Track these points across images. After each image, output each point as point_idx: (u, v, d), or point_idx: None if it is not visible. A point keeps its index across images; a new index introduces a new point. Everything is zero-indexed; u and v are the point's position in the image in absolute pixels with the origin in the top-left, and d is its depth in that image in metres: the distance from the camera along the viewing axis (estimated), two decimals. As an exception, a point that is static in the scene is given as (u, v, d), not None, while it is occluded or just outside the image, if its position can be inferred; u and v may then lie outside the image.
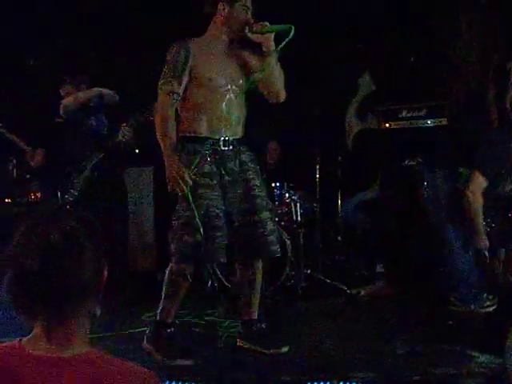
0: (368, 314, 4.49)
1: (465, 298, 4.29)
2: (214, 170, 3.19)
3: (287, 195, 5.59)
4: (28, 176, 6.01)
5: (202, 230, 3.04)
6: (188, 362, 3.06)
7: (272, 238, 3.32)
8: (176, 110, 3.25)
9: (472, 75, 6.12)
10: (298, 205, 5.50)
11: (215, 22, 3.29)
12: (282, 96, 3.46)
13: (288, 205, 5.61)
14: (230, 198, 3.24)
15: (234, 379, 2.81)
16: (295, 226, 5.54)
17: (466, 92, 6.12)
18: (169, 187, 3.14)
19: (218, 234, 3.13)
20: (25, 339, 1.37)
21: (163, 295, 3.25)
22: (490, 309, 4.26)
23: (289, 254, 5.07)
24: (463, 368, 2.83)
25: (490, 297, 4.32)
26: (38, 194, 6.01)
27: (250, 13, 3.26)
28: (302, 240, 5.39)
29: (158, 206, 6.50)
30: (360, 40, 6.85)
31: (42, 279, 1.28)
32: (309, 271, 5.37)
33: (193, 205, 3.06)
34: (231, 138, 3.26)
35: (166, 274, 3.26)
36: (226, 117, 3.25)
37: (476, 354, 3.01)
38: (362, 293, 5.09)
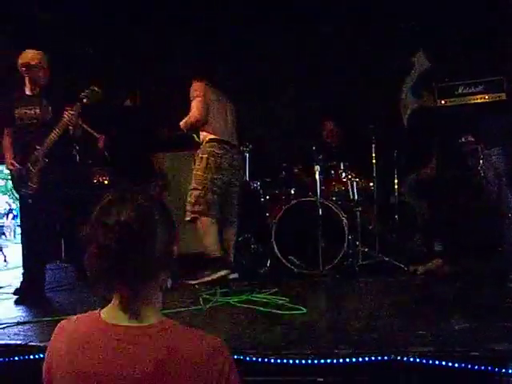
0: (425, 291, 4.52)
1: None
2: None
3: (344, 174, 5.65)
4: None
5: None
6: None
7: None
8: None
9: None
10: (355, 184, 5.55)
11: None
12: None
13: (345, 184, 5.67)
14: None
15: (291, 352, 2.90)
16: (352, 204, 5.60)
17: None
18: None
19: None
20: (103, 310, 1.51)
21: None
22: None
23: (346, 233, 5.14)
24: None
25: None
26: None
27: None
28: (358, 219, 5.43)
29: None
30: (413, 17, 6.78)
31: (119, 255, 1.40)
32: (366, 249, 5.41)
33: None
34: None
35: None
36: None
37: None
38: (420, 270, 5.12)
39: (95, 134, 5.40)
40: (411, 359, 2.76)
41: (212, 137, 5.06)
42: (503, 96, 6.02)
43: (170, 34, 6.99)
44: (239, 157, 5.34)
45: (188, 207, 5.01)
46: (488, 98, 5.84)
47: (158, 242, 1.45)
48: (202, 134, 5.12)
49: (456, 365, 2.69)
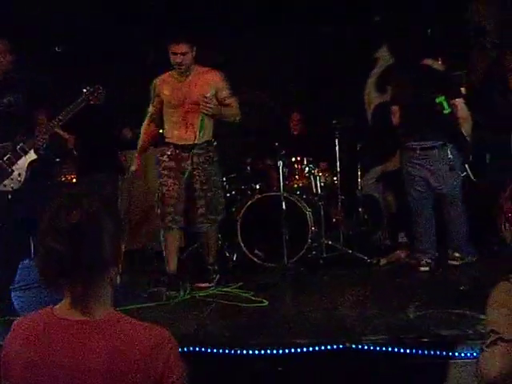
0: (385, 282, 4.65)
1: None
2: None
3: (307, 169, 5.74)
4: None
5: None
6: None
7: None
8: None
9: (489, 45, 6.17)
10: (318, 178, 5.64)
11: None
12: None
13: (308, 178, 5.76)
14: None
15: (250, 342, 2.99)
16: (316, 198, 5.69)
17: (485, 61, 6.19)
18: None
19: None
20: (56, 307, 1.58)
21: None
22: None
23: (310, 226, 5.23)
24: (470, 329, 2.98)
25: None
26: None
27: None
28: (322, 212, 5.53)
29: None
30: (376, 12, 6.90)
31: (67, 258, 1.46)
32: (330, 242, 5.51)
33: None
34: None
35: None
36: None
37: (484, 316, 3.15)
38: (383, 262, 5.24)
39: (65, 135, 5.41)
40: (365, 347, 2.88)
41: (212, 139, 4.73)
42: (463, 90, 6.18)
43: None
44: None
45: (210, 214, 4.54)
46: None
47: (106, 242, 1.51)
48: (209, 135, 4.63)
49: (407, 351, 2.83)
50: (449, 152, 4.72)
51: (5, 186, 4.25)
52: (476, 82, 6.40)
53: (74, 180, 6.49)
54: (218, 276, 4.63)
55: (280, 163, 5.08)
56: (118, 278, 1.59)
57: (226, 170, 5.64)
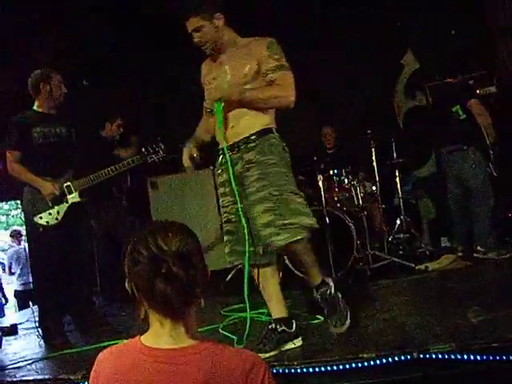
0: (437, 287, 4.58)
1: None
2: None
3: (346, 181, 5.72)
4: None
5: None
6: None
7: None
8: None
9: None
10: (358, 189, 5.62)
11: None
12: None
13: (348, 190, 5.74)
14: None
15: (315, 360, 2.97)
16: (357, 209, 5.66)
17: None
18: None
19: None
20: (143, 336, 1.58)
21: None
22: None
23: (354, 238, 5.20)
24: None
25: None
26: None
27: None
28: (365, 223, 5.50)
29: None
30: (398, 18, 6.90)
31: (164, 295, 1.48)
32: (376, 252, 5.47)
33: None
34: None
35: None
36: None
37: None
38: (430, 268, 5.18)
39: None
40: (433, 356, 2.83)
41: (274, 126, 3.43)
42: (493, 89, 6.17)
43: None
44: None
45: (297, 219, 3.25)
46: (480, 92, 5.99)
47: (201, 268, 1.54)
48: (261, 120, 3.36)
49: (478, 357, 2.76)
50: (470, 153, 5.25)
51: (41, 218, 4.31)
52: (505, 80, 6.36)
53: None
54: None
55: (320, 177, 5.07)
56: (202, 301, 1.59)
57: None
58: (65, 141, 4.45)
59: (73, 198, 4.40)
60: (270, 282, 3.45)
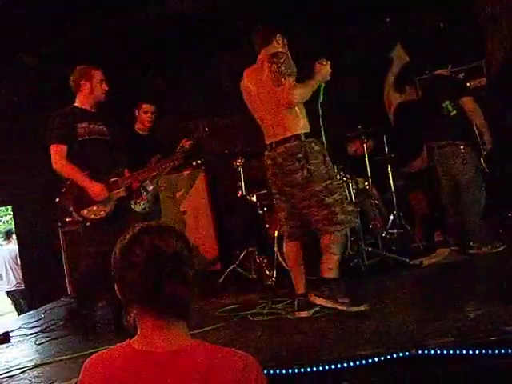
0: (433, 282, 4.56)
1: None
2: None
3: (338, 177, 5.67)
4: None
5: None
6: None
7: None
8: None
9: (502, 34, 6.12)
10: (351, 185, 5.58)
11: None
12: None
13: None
14: None
15: (312, 359, 2.92)
16: (350, 206, 5.61)
17: (502, 50, 6.13)
18: None
19: None
20: (133, 340, 1.54)
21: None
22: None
23: (348, 235, 5.15)
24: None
25: None
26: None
27: None
28: (358, 219, 5.45)
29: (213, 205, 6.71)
30: (386, 14, 6.87)
31: (174, 295, 1.47)
32: (369, 249, 5.44)
33: None
34: None
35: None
36: None
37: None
38: (425, 262, 5.16)
39: None
40: (432, 351, 2.79)
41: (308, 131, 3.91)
42: (483, 81, 6.15)
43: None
44: None
45: (335, 215, 3.75)
46: (471, 85, 5.98)
47: (192, 269, 1.52)
48: (297, 125, 3.84)
49: (477, 351, 2.73)
50: (461, 148, 5.26)
51: (88, 212, 4.30)
52: (494, 72, 6.35)
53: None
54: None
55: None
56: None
57: (259, 186, 5.61)
58: (108, 139, 4.46)
59: (119, 193, 4.42)
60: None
